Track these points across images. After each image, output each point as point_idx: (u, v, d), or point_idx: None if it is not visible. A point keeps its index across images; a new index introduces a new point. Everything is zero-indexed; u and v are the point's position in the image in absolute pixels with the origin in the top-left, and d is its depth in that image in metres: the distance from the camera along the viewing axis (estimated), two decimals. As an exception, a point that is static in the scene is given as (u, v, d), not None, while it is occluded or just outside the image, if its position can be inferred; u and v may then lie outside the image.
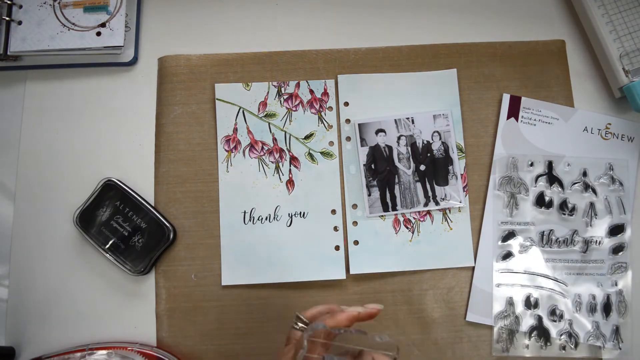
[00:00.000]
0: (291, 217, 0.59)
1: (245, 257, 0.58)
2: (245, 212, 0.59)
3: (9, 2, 0.61)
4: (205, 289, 0.58)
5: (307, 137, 0.61)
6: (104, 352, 0.55)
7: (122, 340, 0.57)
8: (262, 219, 0.59)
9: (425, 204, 0.59)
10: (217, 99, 0.61)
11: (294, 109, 0.61)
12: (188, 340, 0.57)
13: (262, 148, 0.60)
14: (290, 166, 0.60)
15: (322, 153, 0.60)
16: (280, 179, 0.60)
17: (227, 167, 0.60)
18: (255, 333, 0.57)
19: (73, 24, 0.61)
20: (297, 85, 0.62)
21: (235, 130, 0.61)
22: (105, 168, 0.61)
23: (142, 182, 0.60)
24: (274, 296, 0.58)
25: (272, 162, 0.60)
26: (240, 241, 0.59)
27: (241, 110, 0.61)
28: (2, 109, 0.62)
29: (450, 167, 0.60)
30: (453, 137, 0.60)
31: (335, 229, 0.59)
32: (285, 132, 0.61)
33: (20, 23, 0.61)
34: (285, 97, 0.61)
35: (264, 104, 0.61)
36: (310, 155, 0.60)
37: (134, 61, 0.63)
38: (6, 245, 0.59)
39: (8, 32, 0.61)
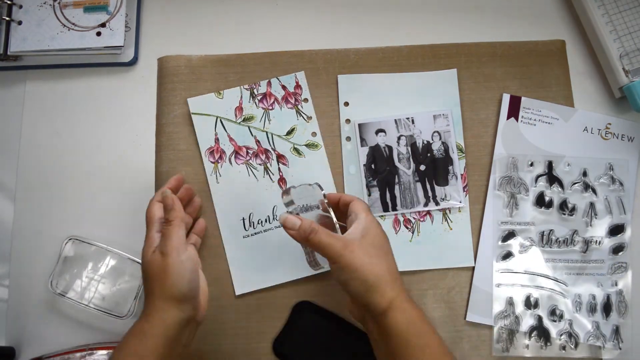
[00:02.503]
0: (290, 214, 0.59)
1: (253, 263, 0.58)
2: (244, 219, 0.59)
3: (9, 2, 0.61)
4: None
5: (289, 132, 0.61)
6: (104, 352, 0.55)
7: (122, 340, 0.57)
8: (261, 222, 0.59)
9: (425, 204, 0.59)
10: (192, 113, 0.60)
11: (270, 107, 0.61)
12: (188, 340, 0.57)
13: (247, 152, 0.60)
14: (278, 165, 0.60)
15: (306, 145, 0.60)
16: (271, 179, 0.60)
17: (217, 178, 0.60)
18: (255, 333, 0.57)
19: (73, 24, 0.61)
20: (269, 84, 0.61)
21: (216, 140, 0.60)
22: (105, 168, 0.61)
23: (142, 182, 0.60)
24: (275, 296, 0.58)
25: (260, 164, 0.60)
26: (244, 248, 0.58)
27: (218, 119, 0.61)
28: (2, 109, 0.62)
29: (450, 167, 0.60)
30: (453, 137, 0.60)
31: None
32: (267, 132, 0.61)
33: (20, 23, 0.61)
34: (259, 97, 0.61)
35: (239, 108, 0.61)
36: (296, 150, 0.60)
37: (134, 61, 0.63)
38: (6, 245, 0.59)
39: (8, 32, 0.61)
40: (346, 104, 0.62)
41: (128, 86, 0.63)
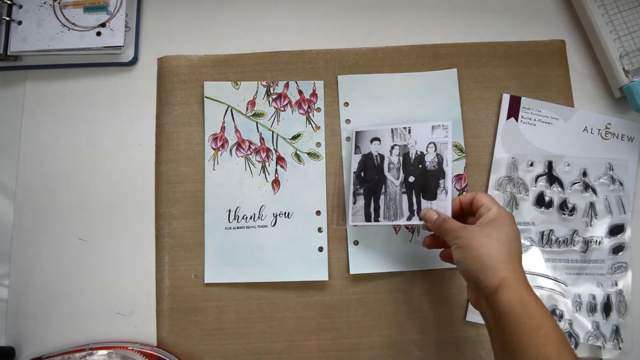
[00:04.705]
0: (276, 217, 0.59)
1: (229, 256, 0.58)
2: (230, 211, 0.59)
3: (9, 2, 0.61)
4: (206, 289, 0.58)
5: (295, 137, 0.61)
6: (104, 352, 0.55)
7: (122, 340, 0.57)
8: (246, 217, 0.59)
9: (409, 218, 0.55)
10: (205, 97, 0.61)
11: (282, 109, 0.61)
12: (188, 340, 0.57)
13: (249, 147, 0.60)
14: (276, 166, 0.60)
15: (308, 154, 0.60)
16: (266, 178, 0.60)
17: (214, 166, 0.60)
18: (255, 333, 0.57)
19: (73, 24, 0.61)
20: (286, 86, 0.61)
21: (222, 128, 0.60)
22: (105, 168, 0.61)
23: (142, 182, 0.60)
24: (275, 296, 0.58)
25: (259, 161, 0.60)
26: (224, 239, 0.58)
27: (229, 109, 0.61)
28: (2, 109, 0.62)
29: (441, 181, 0.55)
30: (449, 150, 0.56)
31: (320, 230, 0.59)
32: (273, 132, 0.61)
33: (20, 23, 0.61)
34: (274, 97, 0.61)
35: (252, 103, 0.61)
36: (297, 156, 0.60)
37: (134, 61, 0.63)
38: (6, 245, 0.59)
39: (8, 32, 0.61)
40: (346, 104, 0.62)
41: (128, 86, 0.63)
